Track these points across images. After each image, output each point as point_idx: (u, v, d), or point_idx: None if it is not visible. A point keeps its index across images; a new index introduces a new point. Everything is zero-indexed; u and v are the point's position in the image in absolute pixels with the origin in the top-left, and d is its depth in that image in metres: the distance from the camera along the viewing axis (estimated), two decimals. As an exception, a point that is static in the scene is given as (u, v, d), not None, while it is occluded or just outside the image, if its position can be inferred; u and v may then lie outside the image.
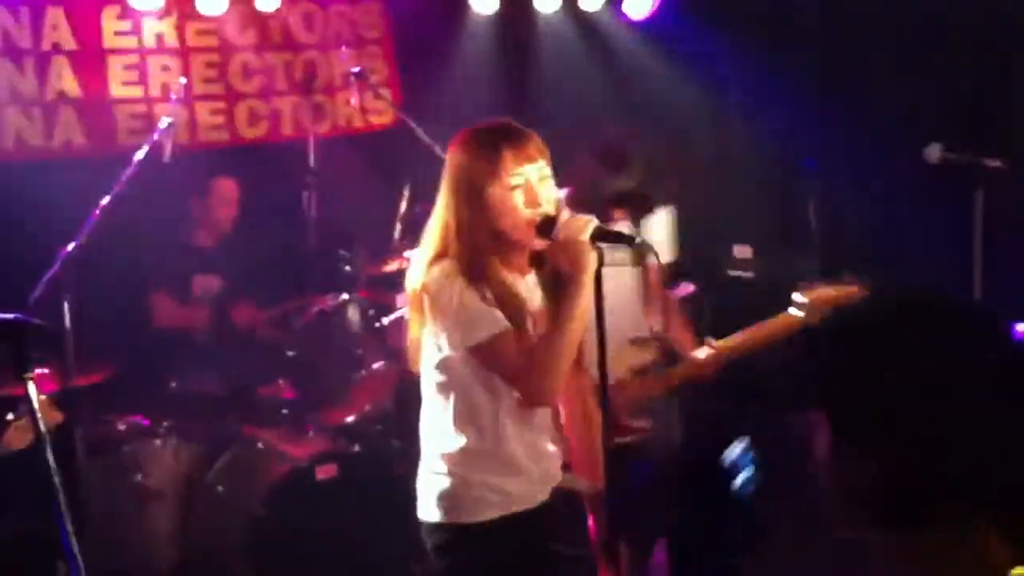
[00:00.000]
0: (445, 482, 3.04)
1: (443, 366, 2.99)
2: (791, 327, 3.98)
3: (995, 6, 5.78)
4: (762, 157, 7.03)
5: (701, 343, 4.39)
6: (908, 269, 5.74)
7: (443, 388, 3.02)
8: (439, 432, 3.06)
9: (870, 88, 6.37)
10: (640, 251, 4.12)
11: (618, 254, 4.34)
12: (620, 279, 4.46)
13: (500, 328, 2.89)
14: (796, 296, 3.95)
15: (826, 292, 3.93)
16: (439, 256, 2.94)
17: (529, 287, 3.06)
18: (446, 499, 3.05)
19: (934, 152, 4.78)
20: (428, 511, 3.10)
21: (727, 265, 6.61)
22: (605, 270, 4.25)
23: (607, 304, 4.15)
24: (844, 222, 6.29)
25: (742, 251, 6.57)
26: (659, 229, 4.46)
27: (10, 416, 4.03)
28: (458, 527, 3.04)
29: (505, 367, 2.92)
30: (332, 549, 4.65)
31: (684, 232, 4.71)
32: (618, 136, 4.38)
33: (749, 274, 6.54)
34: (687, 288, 4.94)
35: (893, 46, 6.28)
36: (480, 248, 2.93)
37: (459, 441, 3.01)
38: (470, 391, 2.98)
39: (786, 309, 4.01)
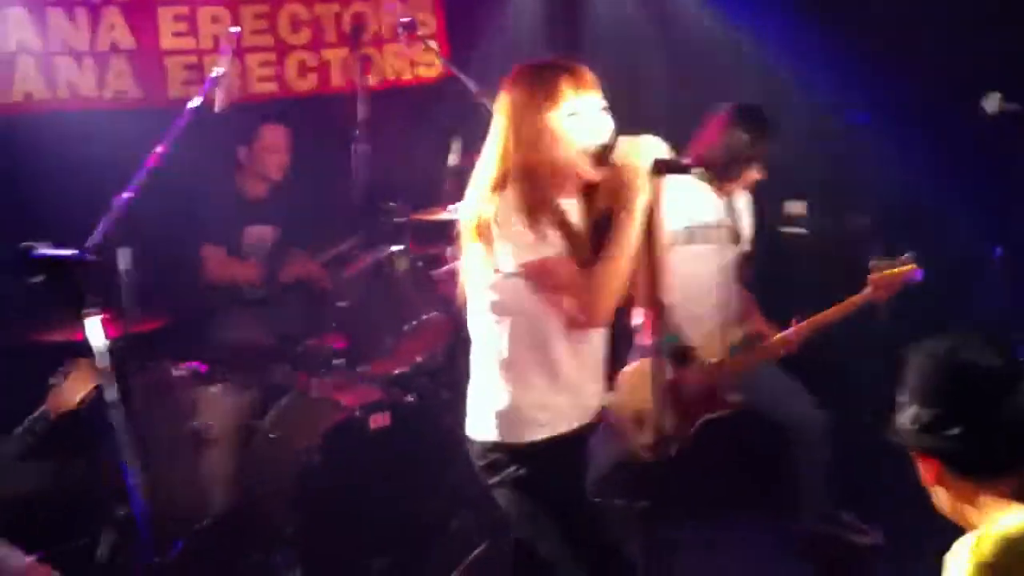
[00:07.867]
0: (498, 402, 3.10)
1: (500, 287, 3.02)
2: (859, 302, 4.46)
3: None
4: (814, 112, 6.94)
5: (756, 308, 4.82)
6: (963, 225, 5.66)
7: (498, 308, 3.06)
8: (492, 352, 3.11)
9: (924, 39, 6.25)
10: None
11: (718, 232, 4.51)
12: (723, 259, 4.58)
13: (555, 250, 2.94)
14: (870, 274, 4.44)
15: (891, 271, 4.42)
16: (497, 186, 2.97)
17: (579, 210, 3.10)
18: (498, 419, 3.10)
19: (993, 102, 4.68)
20: (480, 430, 3.15)
21: (779, 221, 6.55)
22: (707, 248, 4.44)
23: (711, 284, 4.34)
24: (898, 177, 6.20)
25: (795, 207, 6.51)
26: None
27: (52, 381, 4.07)
28: (509, 446, 3.10)
29: (559, 288, 2.97)
30: (381, 498, 4.68)
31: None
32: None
33: (802, 230, 6.49)
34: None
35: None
36: (538, 177, 2.97)
37: (511, 360, 3.07)
38: (524, 311, 3.03)
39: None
